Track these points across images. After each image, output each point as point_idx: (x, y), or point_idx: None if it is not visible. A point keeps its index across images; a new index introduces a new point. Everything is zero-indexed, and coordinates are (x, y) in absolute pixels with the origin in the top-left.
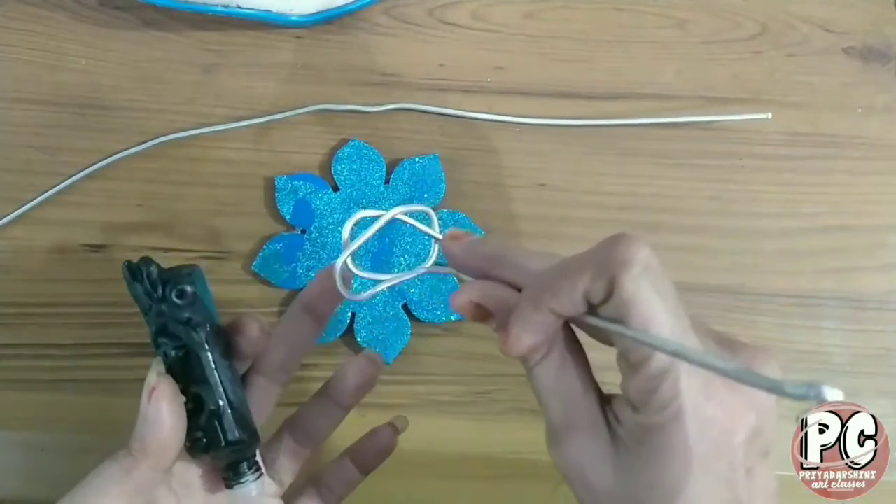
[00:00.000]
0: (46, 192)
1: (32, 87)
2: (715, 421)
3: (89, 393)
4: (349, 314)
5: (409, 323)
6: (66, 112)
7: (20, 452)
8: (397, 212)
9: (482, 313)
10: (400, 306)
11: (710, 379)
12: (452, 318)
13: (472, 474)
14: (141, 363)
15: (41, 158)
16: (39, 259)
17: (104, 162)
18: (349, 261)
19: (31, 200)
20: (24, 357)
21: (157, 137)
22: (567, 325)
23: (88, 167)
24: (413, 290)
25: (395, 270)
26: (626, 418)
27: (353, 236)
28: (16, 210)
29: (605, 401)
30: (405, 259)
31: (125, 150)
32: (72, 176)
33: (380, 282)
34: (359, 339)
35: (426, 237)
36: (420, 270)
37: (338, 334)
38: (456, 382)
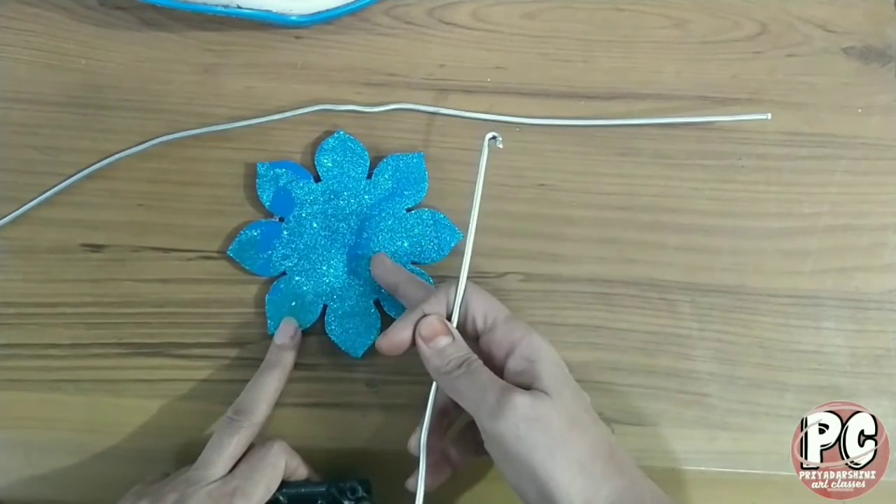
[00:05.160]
0: (46, 192)
1: (32, 87)
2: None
3: (89, 393)
4: (321, 306)
5: (380, 318)
6: (66, 112)
7: (20, 452)
8: None
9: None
10: (372, 302)
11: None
12: None
13: (471, 474)
14: (141, 363)
15: (41, 158)
16: (39, 259)
17: (104, 162)
18: None
19: (31, 200)
20: (23, 357)
21: (157, 137)
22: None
23: (88, 167)
24: None
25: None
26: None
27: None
28: (16, 210)
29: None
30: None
31: (125, 150)
32: (72, 176)
33: None
34: (328, 331)
35: (402, 234)
36: None
37: (306, 325)
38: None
